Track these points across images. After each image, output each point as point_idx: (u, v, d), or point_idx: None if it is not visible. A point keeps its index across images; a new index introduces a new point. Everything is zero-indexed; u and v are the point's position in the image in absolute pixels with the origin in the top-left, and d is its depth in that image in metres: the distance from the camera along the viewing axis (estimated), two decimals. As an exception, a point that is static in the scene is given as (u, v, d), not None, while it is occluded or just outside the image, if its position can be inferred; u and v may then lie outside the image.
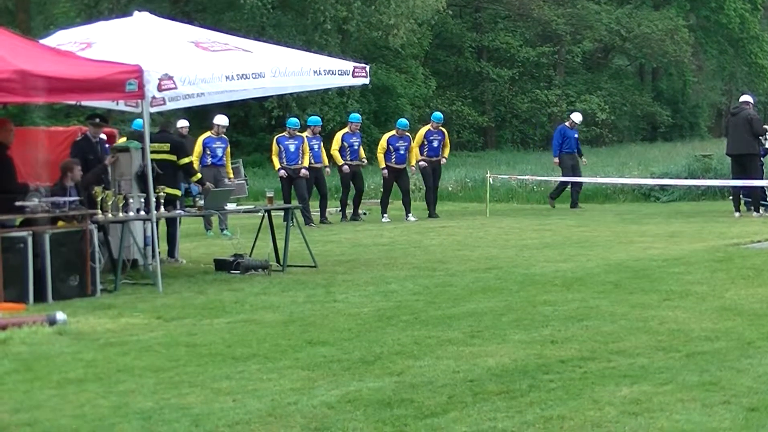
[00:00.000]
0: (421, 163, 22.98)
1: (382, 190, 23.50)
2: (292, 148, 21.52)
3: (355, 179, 22.72)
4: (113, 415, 7.04)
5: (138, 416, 7.00)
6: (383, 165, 22.76)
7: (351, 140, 22.62)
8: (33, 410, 7.21)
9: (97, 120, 15.20)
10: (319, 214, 22.29)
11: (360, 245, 17.68)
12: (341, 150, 22.45)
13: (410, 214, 22.62)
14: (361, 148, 22.92)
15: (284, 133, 21.77)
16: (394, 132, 22.99)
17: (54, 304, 11.74)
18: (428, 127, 23.38)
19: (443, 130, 23.41)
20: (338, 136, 22.78)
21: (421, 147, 23.01)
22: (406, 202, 22.91)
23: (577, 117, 26.02)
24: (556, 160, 25.50)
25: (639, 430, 6.44)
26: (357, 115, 24.56)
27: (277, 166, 21.64)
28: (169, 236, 16.24)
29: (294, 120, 22.31)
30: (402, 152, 22.71)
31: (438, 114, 24.08)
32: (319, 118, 23.52)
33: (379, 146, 23.03)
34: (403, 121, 23.66)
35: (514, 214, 24.02)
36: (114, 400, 7.42)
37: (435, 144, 23.11)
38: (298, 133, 21.75)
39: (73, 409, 7.23)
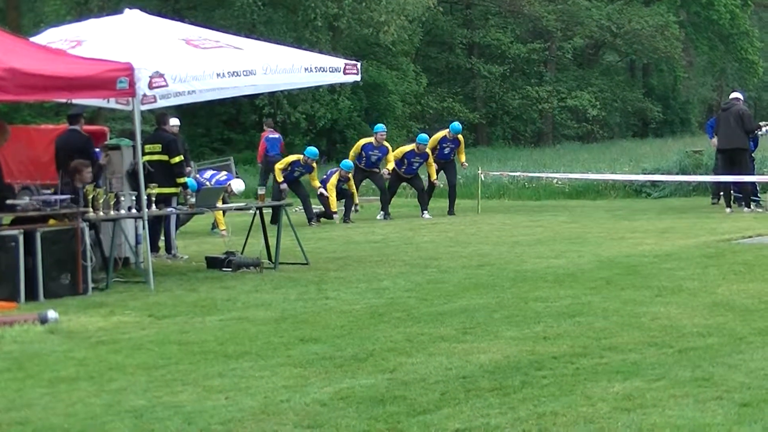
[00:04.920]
0: (434, 182, 23.05)
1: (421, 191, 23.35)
2: (296, 174, 21.58)
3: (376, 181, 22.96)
4: (105, 414, 7.03)
5: (130, 414, 6.99)
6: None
7: (370, 152, 22.50)
8: (24, 409, 7.20)
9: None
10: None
11: (352, 242, 17.68)
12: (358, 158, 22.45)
13: (426, 212, 22.67)
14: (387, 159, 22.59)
15: (299, 158, 21.62)
16: (413, 147, 22.70)
17: (45, 302, 11.73)
18: (444, 133, 23.23)
19: (460, 138, 23.28)
20: (358, 145, 22.79)
21: (432, 150, 22.94)
22: (423, 200, 22.93)
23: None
24: (714, 141, 22.77)
25: (632, 426, 6.44)
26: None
27: (280, 178, 21.45)
28: (164, 232, 16.26)
29: (314, 150, 21.98)
30: (415, 167, 22.76)
31: (456, 125, 23.54)
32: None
33: (393, 154, 22.77)
34: (424, 136, 23.38)
35: (506, 210, 24.02)
36: (106, 399, 7.41)
37: (446, 151, 23.07)
38: (313, 165, 21.66)
39: (64, 407, 7.21)
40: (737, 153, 21.18)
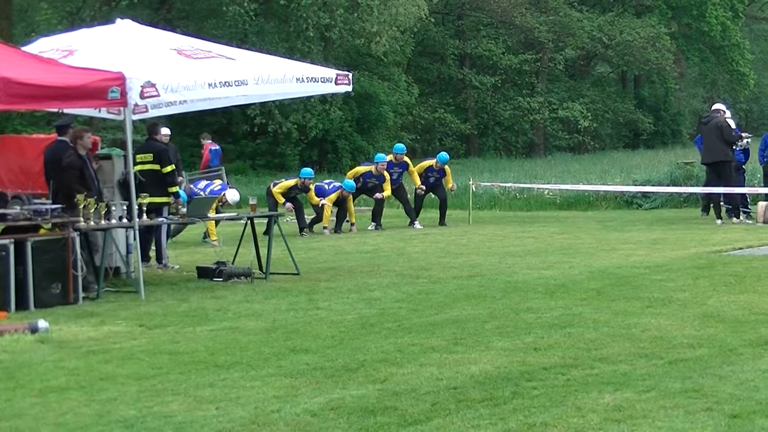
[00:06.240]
0: (418, 191, 23.24)
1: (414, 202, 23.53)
2: (293, 194, 21.65)
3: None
4: (95, 424, 7.02)
5: (120, 424, 6.98)
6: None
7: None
8: (14, 419, 7.19)
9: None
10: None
11: (343, 253, 17.67)
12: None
13: (416, 222, 22.77)
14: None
15: (296, 183, 21.65)
16: (391, 158, 22.95)
17: (36, 312, 11.71)
18: (431, 163, 23.39)
19: (446, 170, 23.41)
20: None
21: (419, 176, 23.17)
22: (408, 210, 23.20)
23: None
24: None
25: (622, 437, 6.46)
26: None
27: (281, 201, 21.48)
28: (155, 242, 16.24)
29: (309, 171, 22.14)
30: (395, 177, 22.92)
31: (444, 156, 23.66)
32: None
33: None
34: (400, 145, 23.61)
35: (497, 221, 24.04)
36: (96, 408, 7.39)
37: (431, 180, 23.30)
38: (310, 186, 21.73)
39: (55, 417, 7.20)
40: (720, 165, 21.18)
